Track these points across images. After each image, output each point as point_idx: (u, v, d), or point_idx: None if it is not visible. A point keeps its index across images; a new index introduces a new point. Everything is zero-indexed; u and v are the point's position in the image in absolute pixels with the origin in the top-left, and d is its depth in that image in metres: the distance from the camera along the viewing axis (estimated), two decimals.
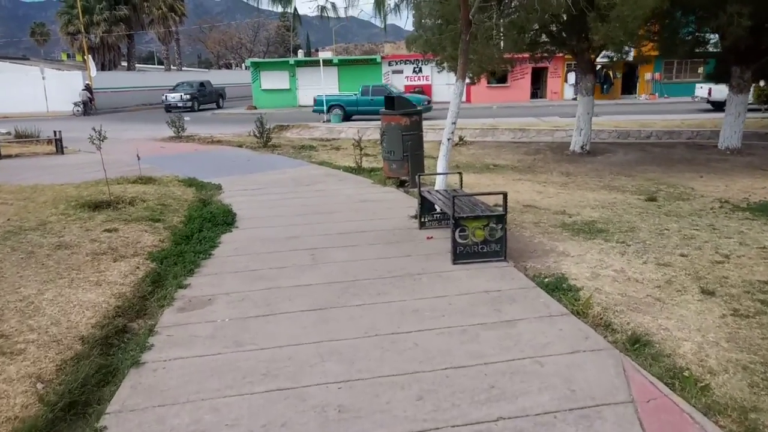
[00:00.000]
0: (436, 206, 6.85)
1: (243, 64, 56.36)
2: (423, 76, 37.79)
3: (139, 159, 9.99)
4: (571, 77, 36.69)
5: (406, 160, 9.75)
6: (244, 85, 45.80)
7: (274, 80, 38.19)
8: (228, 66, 73.36)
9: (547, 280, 5.20)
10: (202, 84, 38.08)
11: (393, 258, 5.87)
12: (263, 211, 8.28)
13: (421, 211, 7.04)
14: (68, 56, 55.94)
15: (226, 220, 7.47)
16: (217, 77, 55.00)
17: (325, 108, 25.62)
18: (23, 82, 37.18)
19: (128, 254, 5.86)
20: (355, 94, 26.82)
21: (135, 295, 4.90)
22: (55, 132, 16.42)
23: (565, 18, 10.90)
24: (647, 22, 11.43)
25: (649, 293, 4.82)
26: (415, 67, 37.69)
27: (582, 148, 14.95)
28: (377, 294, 4.87)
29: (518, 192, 9.99)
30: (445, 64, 14.54)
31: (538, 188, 10.46)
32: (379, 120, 10.01)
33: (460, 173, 7.33)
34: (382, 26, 9.64)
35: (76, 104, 34.98)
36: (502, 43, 12.42)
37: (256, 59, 45.35)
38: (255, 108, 35.84)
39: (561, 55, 17.92)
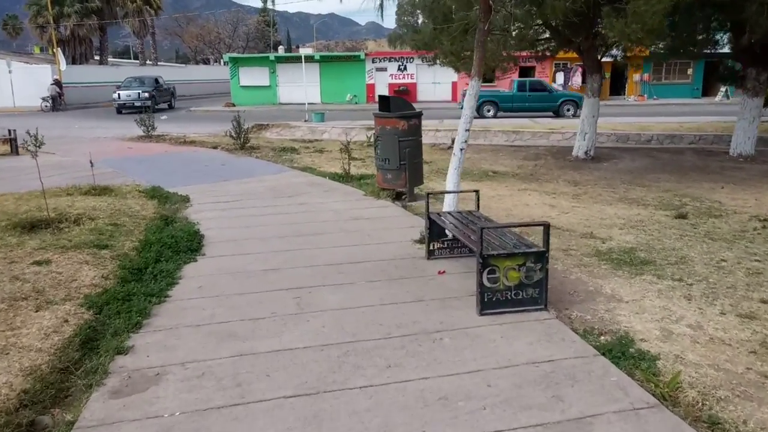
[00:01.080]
0: (448, 232, 5.62)
1: (221, 60, 54.60)
2: (408, 74, 36.61)
3: (92, 165, 8.56)
4: (560, 77, 35.79)
5: (403, 169, 8.50)
6: (223, 81, 44.10)
7: (253, 76, 36.73)
8: (206, 61, 71.39)
9: (604, 339, 3.99)
10: (156, 80, 33.02)
11: (401, 304, 4.59)
12: (236, 231, 6.95)
13: (429, 236, 5.78)
14: (41, 50, 53.72)
15: (190, 245, 6.12)
16: (194, 73, 53.31)
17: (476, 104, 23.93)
18: None
19: (57, 299, 4.50)
20: (509, 90, 25.11)
21: (54, 368, 3.55)
22: (9, 131, 14.89)
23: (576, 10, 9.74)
24: (667, 18, 10.32)
25: (748, 364, 3.63)
26: (399, 65, 36.47)
27: (586, 153, 13.89)
28: (387, 367, 3.58)
29: (528, 206, 8.84)
30: (439, 61, 13.33)
31: (548, 201, 9.31)
32: (381, 120, 8.71)
33: (476, 191, 6.06)
34: (378, 14, 8.29)
35: (44, 99, 33.06)
36: (503, 39, 11.27)
37: (234, 54, 43.75)
38: (233, 105, 34.31)
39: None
